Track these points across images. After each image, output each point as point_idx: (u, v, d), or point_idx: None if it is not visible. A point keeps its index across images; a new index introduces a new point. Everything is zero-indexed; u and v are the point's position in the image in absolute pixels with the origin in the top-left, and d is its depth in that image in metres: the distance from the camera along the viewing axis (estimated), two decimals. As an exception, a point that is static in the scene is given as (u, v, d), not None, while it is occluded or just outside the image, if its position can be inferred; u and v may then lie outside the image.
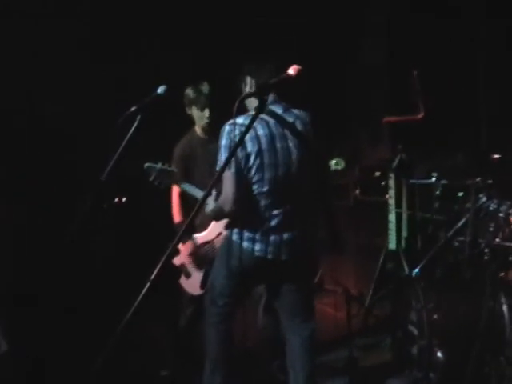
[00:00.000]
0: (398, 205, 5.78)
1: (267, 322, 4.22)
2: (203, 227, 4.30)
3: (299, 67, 3.01)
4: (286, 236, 3.55)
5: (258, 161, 3.46)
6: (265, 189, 3.49)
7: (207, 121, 4.40)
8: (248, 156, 3.46)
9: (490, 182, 4.20)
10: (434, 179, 4.70)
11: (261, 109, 3.20)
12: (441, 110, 5.77)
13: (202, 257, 4.33)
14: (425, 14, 5.89)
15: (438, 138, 5.57)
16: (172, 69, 5.54)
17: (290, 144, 3.55)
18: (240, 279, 3.63)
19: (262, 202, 3.51)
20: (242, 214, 3.49)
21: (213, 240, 4.25)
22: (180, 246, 4.36)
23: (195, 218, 3.49)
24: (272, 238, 3.54)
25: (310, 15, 6.46)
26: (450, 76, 5.65)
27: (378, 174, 6.13)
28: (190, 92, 4.44)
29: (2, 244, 4.78)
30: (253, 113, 3.51)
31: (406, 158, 5.54)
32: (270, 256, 3.55)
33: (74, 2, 5.59)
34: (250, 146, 3.46)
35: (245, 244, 3.53)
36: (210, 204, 3.60)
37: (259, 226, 3.53)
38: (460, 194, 4.51)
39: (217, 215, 3.64)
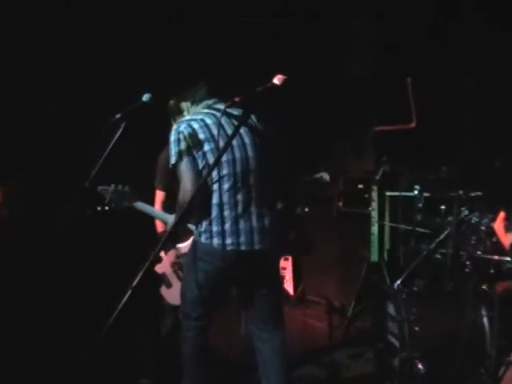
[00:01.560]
0: (381, 217, 5.81)
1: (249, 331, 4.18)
2: (187, 238, 4.28)
3: (284, 77, 3.02)
4: (255, 223, 3.52)
5: (212, 145, 3.47)
6: (224, 172, 3.48)
7: None
8: (201, 142, 3.48)
9: (473, 194, 4.23)
10: (416, 192, 4.73)
11: (245, 119, 3.24)
12: (428, 123, 5.81)
13: (183, 267, 4.30)
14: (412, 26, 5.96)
15: (423, 151, 5.61)
16: (157, 77, 5.54)
17: (241, 130, 3.55)
18: (212, 283, 3.57)
19: (225, 187, 3.48)
20: (206, 206, 3.46)
21: (195, 250, 4.21)
22: (163, 254, 4.35)
23: (177, 228, 3.47)
24: (242, 225, 3.49)
25: (295, 24, 6.51)
26: (438, 89, 5.69)
27: (361, 186, 6.16)
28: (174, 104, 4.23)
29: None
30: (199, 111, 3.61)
31: (389, 171, 5.58)
32: (242, 247, 3.50)
33: (63, 10, 5.61)
34: (201, 133, 3.49)
35: (215, 241, 3.47)
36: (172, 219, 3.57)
37: (226, 215, 3.48)
38: (442, 206, 4.54)
39: (179, 217, 3.47)
